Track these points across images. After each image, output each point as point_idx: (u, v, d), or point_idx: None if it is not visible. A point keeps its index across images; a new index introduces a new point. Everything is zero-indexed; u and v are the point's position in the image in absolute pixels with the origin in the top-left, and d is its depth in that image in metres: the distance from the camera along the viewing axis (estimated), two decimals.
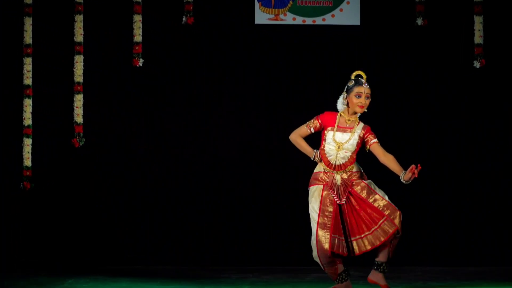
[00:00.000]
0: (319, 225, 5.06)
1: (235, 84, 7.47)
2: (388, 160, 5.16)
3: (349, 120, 5.22)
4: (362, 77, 5.25)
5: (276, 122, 7.24)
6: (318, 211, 5.12)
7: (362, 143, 5.26)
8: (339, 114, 5.27)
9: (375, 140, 5.21)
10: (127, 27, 7.44)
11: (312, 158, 5.27)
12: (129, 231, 7.35)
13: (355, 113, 5.24)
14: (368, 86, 5.17)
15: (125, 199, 7.39)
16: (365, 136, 5.24)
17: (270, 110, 7.34)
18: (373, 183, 5.25)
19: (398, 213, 5.10)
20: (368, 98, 5.18)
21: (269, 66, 7.48)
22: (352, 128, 5.21)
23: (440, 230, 7.30)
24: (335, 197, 5.14)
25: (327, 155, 5.23)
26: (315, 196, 5.21)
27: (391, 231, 5.04)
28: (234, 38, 7.50)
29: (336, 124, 5.21)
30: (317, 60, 7.50)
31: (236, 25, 7.46)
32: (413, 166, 4.96)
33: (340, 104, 5.28)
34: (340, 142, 5.17)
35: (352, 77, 5.26)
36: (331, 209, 5.11)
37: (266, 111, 7.42)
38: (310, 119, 5.32)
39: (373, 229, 5.08)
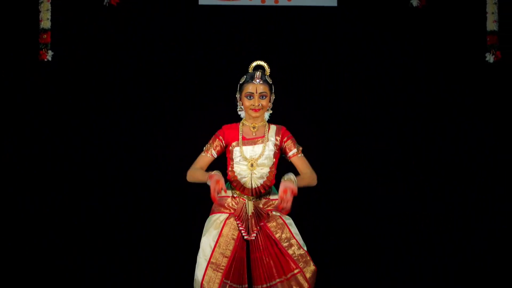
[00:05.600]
0: (209, 264, 4.27)
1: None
2: (306, 173, 4.41)
3: (253, 127, 4.42)
4: (262, 69, 4.50)
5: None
6: (213, 246, 4.31)
7: (280, 152, 4.44)
8: (241, 124, 4.46)
9: (295, 150, 4.41)
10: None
11: (208, 181, 4.24)
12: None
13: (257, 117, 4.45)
14: (263, 81, 4.40)
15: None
16: (283, 142, 4.42)
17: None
18: (292, 222, 4.41)
19: (313, 269, 4.32)
20: (264, 97, 4.38)
21: (215, 56, 6.49)
22: (263, 136, 4.39)
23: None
24: (242, 231, 4.33)
25: (239, 177, 4.38)
26: (215, 225, 4.37)
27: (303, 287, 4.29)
28: (172, 23, 6.47)
29: (240, 137, 4.38)
30: (280, 51, 6.51)
31: (176, 6, 6.48)
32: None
33: (239, 108, 4.50)
34: (252, 158, 4.35)
35: (250, 69, 4.50)
36: (231, 247, 4.32)
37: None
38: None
39: (282, 279, 4.31)
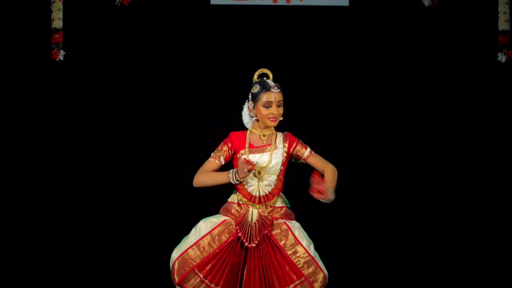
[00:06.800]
0: (189, 249, 4.28)
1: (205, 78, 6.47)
2: (327, 170, 4.35)
3: (263, 135, 4.36)
4: (268, 77, 4.39)
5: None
6: (198, 238, 4.30)
7: (289, 159, 4.41)
8: (248, 131, 4.39)
9: (308, 151, 4.37)
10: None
11: (234, 181, 4.26)
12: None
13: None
14: (279, 89, 4.31)
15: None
16: (293, 149, 4.36)
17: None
18: (300, 226, 4.35)
19: (321, 275, 4.24)
20: (280, 105, 4.32)
21: (227, 56, 6.43)
22: (270, 144, 4.33)
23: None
24: (242, 237, 4.28)
25: (246, 185, 4.32)
26: (211, 222, 4.36)
27: None
28: (184, 22, 6.41)
29: (246, 145, 4.31)
30: (291, 51, 6.44)
31: (188, 5, 6.41)
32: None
33: (247, 116, 4.41)
34: (260, 165, 4.28)
35: (255, 77, 4.39)
36: (215, 246, 4.28)
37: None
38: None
39: None
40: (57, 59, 6.25)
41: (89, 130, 6.34)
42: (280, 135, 4.38)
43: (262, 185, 4.30)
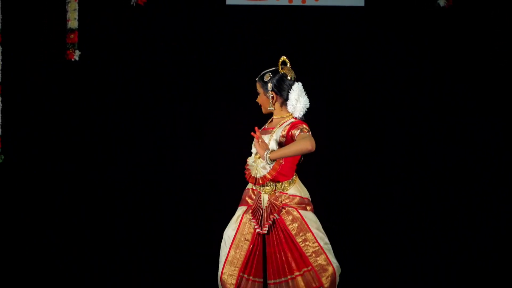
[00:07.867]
0: (227, 260, 4.27)
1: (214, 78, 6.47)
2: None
3: (271, 121, 4.41)
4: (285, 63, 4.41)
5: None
6: (230, 243, 4.30)
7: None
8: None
9: (297, 132, 4.17)
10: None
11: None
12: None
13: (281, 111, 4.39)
14: (257, 80, 4.31)
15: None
16: (289, 133, 4.22)
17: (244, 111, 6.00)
18: (315, 218, 4.28)
19: (330, 270, 4.20)
20: (259, 94, 4.34)
21: (243, 56, 6.42)
22: (273, 128, 4.31)
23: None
24: (255, 223, 4.27)
25: (249, 166, 4.34)
26: (234, 219, 4.36)
27: (313, 285, 4.20)
28: (200, 23, 6.43)
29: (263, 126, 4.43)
30: (307, 52, 6.41)
31: (203, 5, 6.44)
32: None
33: None
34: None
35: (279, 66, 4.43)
36: (248, 243, 4.29)
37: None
38: None
39: (295, 274, 4.24)
40: (73, 59, 6.27)
41: (92, 129, 6.33)
42: (289, 122, 4.29)
43: (259, 167, 4.24)
